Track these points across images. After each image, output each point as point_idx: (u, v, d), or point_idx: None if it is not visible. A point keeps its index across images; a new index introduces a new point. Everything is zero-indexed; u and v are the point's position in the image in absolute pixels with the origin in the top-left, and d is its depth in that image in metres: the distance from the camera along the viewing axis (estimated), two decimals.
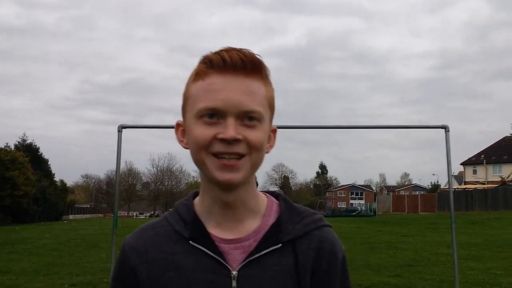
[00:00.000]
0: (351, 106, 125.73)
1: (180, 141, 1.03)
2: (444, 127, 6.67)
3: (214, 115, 0.93)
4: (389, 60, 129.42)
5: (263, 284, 0.96)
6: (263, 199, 1.05)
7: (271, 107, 1.00)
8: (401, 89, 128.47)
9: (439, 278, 9.58)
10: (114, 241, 6.79)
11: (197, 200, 1.05)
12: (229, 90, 0.92)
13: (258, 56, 0.96)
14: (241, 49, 0.95)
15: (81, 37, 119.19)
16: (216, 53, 0.95)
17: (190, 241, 0.98)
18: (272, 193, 1.09)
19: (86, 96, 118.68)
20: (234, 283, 0.95)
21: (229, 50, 0.95)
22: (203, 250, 0.97)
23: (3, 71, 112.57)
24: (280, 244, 0.98)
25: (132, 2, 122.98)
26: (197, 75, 0.96)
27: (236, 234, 0.99)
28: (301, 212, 1.04)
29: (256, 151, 0.94)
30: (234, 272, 0.96)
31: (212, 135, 0.92)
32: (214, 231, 0.99)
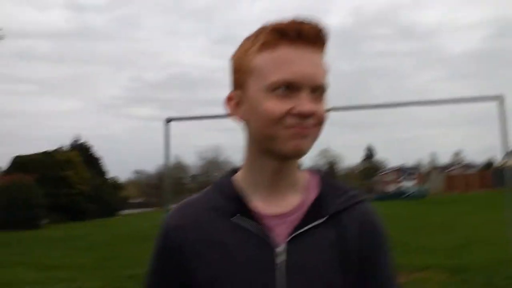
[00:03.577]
0: (398, 84, 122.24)
1: (234, 114, 0.99)
2: (499, 97, 6.34)
3: (288, 88, 0.90)
4: (438, 33, 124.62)
5: (308, 259, 0.94)
6: (303, 174, 1.05)
7: None
8: (451, 63, 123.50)
9: (498, 257, 9.22)
10: None
11: (238, 176, 1.04)
12: (304, 63, 0.90)
13: (326, 29, 0.93)
14: (312, 20, 0.92)
15: (128, 37, 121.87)
16: (289, 23, 0.91)
17: (233, 217, 0.97)
18: (310, 169, 1.08)
19: (134, 93, 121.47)
20: (279, 259, 0.94)
21: (302, 21, 0.91)
22: (246, 226, 0.96)
23: (55, 75, 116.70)
24: (324, 218, 0.97)
25: None
26: (264, 45, 0.92)
27: (280, 209, 0.98)
28: (341, 187, 1.04)
29: (320, 125, 0.95)
30: (279, 248, 0.94)
31: (286, 109, 0.90)
32: (258, 205, 0.98)
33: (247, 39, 0.97)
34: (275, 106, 0.90)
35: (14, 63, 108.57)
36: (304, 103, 0.90)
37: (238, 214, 0.97)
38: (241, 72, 0.96)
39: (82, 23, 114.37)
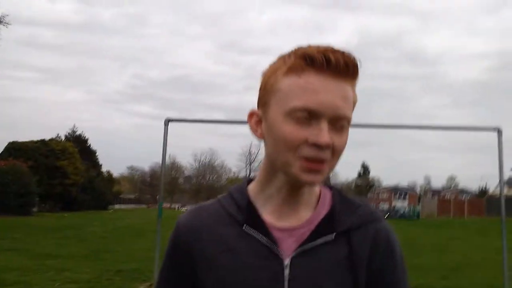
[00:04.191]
0: (400, 107, 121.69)
1: (254, 131, 1.00)
2: (497, 129, 6.44)
3: (309, 116, 0.89)
4: (443, 60, 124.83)
5: (316, 274, 0.94)
6: (316, 189, 1.04)
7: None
8: (454, 91, 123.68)
9: (488, 283, 9.25)
10: (159, 231, 6.93)
11: (252, 186, 1.05)
12: (328, 93, 0.89)
13: (358, 61, 0.92)
14: (344, 51, 0.91)
15: (134, 33, 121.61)
16: (320, 51, 0.89)
17: (244, 226, 0.98)
18: (324, 185, 1.07)
19: (136, 91, 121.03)
20: (286, 271, 0.94)
21: (333, 51, 0.90)
22: (256, 236, 0.97)
23: (60, 64, 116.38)
24: (334, 235, 0.96)
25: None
26: (291, 69, 0.91)
27: (289, 223, 0.98)
28: (355, 204, 1.03)
29: (337, 157, 0.93)
30: (287, 260, 0.95)
31: (304, 138, 0.89)
32: (268, 218, 0.99)
33: (280, 58, 0.96)
34: (293, 132, 0.90)
35: (20, 49, 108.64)
36: (322, 134, 0.88)
37: (249, 223, 0.98)
38: (266, 90, 0.96)
39: (90, 16, 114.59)
